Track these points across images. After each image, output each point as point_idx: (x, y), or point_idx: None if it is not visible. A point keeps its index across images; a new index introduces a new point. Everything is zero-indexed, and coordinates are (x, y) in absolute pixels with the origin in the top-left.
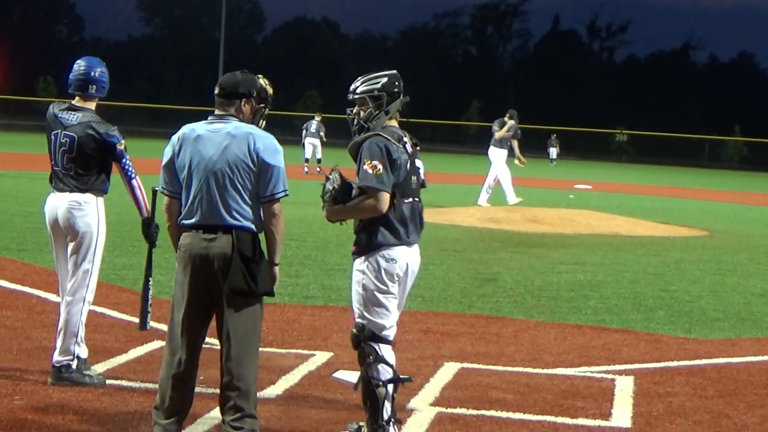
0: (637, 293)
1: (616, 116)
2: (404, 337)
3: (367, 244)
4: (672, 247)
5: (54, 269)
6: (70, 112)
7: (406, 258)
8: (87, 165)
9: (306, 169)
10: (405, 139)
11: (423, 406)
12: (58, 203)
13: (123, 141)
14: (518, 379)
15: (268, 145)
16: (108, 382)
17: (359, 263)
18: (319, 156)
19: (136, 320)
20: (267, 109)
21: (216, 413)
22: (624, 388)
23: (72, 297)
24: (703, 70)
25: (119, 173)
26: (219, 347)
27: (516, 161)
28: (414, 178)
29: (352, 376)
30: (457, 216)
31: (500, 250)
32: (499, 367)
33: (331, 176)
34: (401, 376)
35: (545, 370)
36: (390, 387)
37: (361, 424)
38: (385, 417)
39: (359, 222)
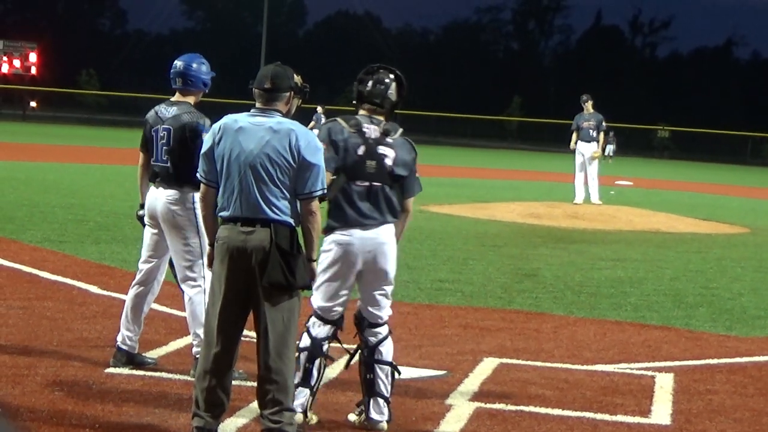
0: (678, 290)
1: (657, 112)
2: (443, 332)
3: (324, 226)
4: (713, 244)
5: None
6: (168, 107)
7: (356, 241)
8: (183, 156)
9: None
10: (366, 125)
11: (461, 402)
12: (157, 196)
13: None
14: (557, 375)
15: (310, 143)
16: (148, 374)
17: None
18: None
19: (176, 312)
20: (300, 101)
21: (254, 406)
22: (664, 386)
23: (189, 288)
24: (746, 67)
25: None
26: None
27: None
28: (372, 163)
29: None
30: (497, 211)
31: (540, 245)
32: (539, 363)
33: None
34: (325, 353)
35: (585, 367)
36: (303, 356)
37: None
38: (295, 381)
39: None
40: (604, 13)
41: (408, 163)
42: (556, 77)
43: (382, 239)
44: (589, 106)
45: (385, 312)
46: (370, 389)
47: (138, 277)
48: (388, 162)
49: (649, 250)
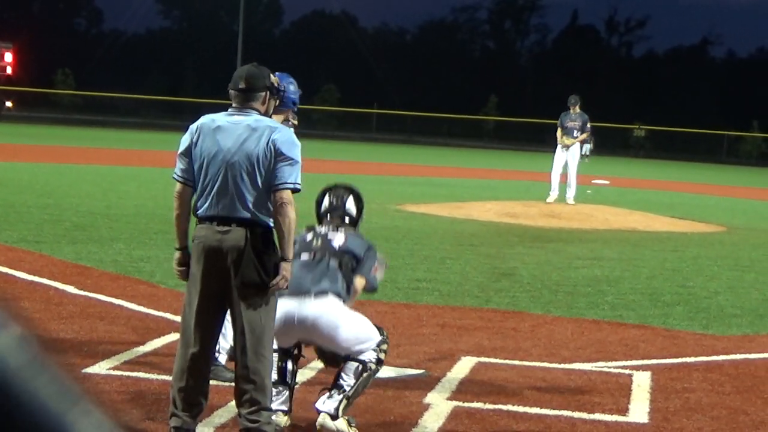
0: (655, 289)
1: (634, 111)
2: (421, 331)
3: None
4: (689, 242)
5: None
6: None
7: (293, 310)
8: None
9: None
10: (318, 228)
11: (440, 401)
12: None
13: None
14: (535, 373)
15: (287, 138)
16: (125, 374)
17: None
18: None
19: (154, 312)
20: (277, 102)
21: (232, 406)
22: (641, 384)
23: None
24: (722, 66)
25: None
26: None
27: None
28: (317, 242)
29: None
30: (474, 210)
31: (517, 244)
32: (516, 362)
33: None
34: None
35: (562, 365)
36: (276, 354)
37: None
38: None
39: None
40: (580, 12)
41: (360, 245)
42: (533, 76)
43: (314, 312)
44: (576, 107)
45: (364, 356)
46: (335, 380)
47: None
48: (335, 243)
49: (626, 248)
